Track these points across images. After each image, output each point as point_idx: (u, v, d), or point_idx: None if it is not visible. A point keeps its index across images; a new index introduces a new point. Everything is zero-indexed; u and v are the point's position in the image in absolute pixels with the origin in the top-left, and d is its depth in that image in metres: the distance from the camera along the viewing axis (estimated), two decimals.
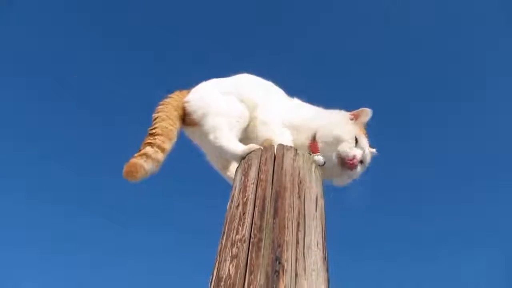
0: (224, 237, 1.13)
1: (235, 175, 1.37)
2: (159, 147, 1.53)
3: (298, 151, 1.35)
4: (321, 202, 1.25)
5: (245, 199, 1.19)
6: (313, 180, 1.28)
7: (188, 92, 1.76)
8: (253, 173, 1.28)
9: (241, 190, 1.25)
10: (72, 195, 5.99)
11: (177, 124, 1.65)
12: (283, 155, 1.31)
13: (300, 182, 1.23)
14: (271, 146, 1.38)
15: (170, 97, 1.74)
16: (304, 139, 1.62)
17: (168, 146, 1.56)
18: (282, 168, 1.26)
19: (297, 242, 1.06)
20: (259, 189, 1.21)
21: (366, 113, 1.65)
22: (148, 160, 1.49)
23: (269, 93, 1.79)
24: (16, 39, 5.84)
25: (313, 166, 1.33)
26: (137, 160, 1.49)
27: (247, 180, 1.26)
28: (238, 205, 1.19)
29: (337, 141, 1.56)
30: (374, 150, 1.68)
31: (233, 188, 1.31)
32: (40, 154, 6.09)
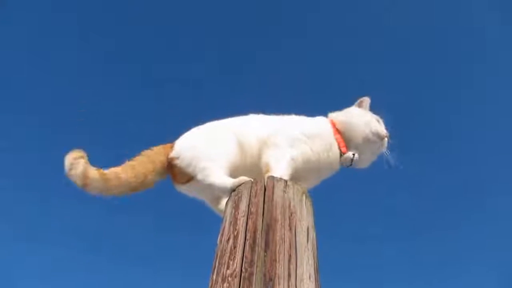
0: (215, 272, 1.11)
1: (225, 208, 1.37)
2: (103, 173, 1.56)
3: (288, 182, 1.35)
4: (312, 233, 1.24)
5: (235, 233, 1.18)
6: (304, 212, 1.28)
7: (171, 147, 1.70)
8: (243, 206, 1.27)
9: (232, 223, 1.24)
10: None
11: (155, 173, 1.64)
12: (273, 187, 1.31)
13: (291, 214, 1.23)
14: (261, 178, 1.38)
15: (152, 149, 1.71)
16: (329, 144, 1.74)
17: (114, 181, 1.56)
18: (272, 200, 1.26)
19: (289, 275, 1.05)
20: (249, 221, 1.20)
21: (367, 100, 1.94)
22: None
23: (262, 121, 1.82)
24: (11, 41, 5.89)
25: (304, 197, 1.33)
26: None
27: (238, 213, 1.26)
28: (229, 238, 1.18)
29: (367, 124, 1.81)
30: None
31: (224, 221, 1.30)
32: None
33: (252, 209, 1.24)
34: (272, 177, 1.36)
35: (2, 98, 6.03)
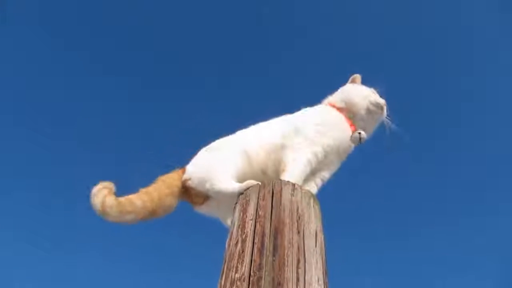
0: (223, 276, 1.11)
1: (234, 211, 1.37)
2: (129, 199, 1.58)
3: (296, 186, 1.35)
4: (320, 237, 1.24)
5: (243, 236, 1.18)
6: (312, 215, 1.28)
7: (183, 171, 1.73)
8: (251, 209, 1.27)
9: (240, 226, 1.24)
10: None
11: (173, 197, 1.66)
12: (281, 190, 1.31)
13: (299, 218, 1.23)
14: (269, 181, 1.38)
15: (166, 175, 1.72)
16: (341, 125, 1.81)
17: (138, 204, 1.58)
18: (280, 203, 1.26)
19: (298, 280, 1.05)
20: (257, 225, 1.20)
21: (358, 77, 2.04)
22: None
23: (269, 128, 1.84)
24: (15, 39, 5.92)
25: (312, 200, 1.33)
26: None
27: (246, 217, 1.26)
28: (237, 242, 1.18)
29: (366, 97, 1.90)
30: None
31: (232, 225, 1.30)
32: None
33: (260, 213, 1.24)
34: (280, 181, 1.37)
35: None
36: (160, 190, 1.64)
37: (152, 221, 1.65)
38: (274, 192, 1.30)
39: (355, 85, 2.00)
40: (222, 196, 1.55)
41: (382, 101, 1.91)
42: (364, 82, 2.03)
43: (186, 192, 1.68)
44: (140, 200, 1.59)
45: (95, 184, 1.59)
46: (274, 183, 1.34)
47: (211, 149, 1.77)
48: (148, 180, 1.70)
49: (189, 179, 1.67)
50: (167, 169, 1.75)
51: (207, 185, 1.59)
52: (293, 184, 1.35)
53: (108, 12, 6.63)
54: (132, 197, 1.61)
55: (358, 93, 1.93)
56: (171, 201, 1.65)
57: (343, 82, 2.04)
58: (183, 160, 1.80)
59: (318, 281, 1.08)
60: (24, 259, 5.55)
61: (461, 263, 5.69)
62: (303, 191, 1.34)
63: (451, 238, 5.80)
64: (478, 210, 5.99)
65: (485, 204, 5.96)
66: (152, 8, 6.71)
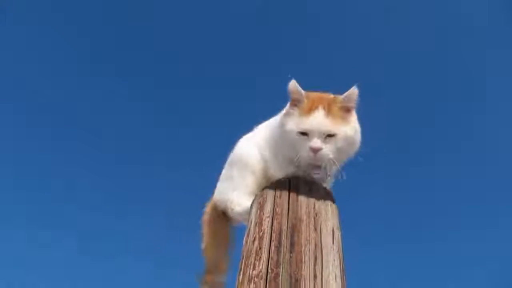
0: (241, 273, 1.12)
1: (251, 209, 1.38)
2: (212, 282, 1.70)
3: (313, 182, 1.35)
4: (337, 234, 1.23)
5: (261, 233, 1.19)
6: (329, 212, 1.27)
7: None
8: (268, 207, 1.28)
9: (257, 224, 1.25)
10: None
11: (224, 239, 1.75)
12: (298, 188, 1.31)
13: (316, 215, 1.23)
14: (286, 179, 1.39)
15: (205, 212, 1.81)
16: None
17: (218, 276, 1.71)
18: (297, 200, 1.27)
19: (315, 277, 1.05)
20: (275, 222, 1.21)
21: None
22: None
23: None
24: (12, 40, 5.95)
25: (328, 197, 1.33)
26: None
27: (263, 214, 1.27)
28: (254, 239, 1.19)
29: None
30: None
31: (249, 222, 1.31)
32: None
33: (277, 210, 1.25)
34: (296, 178, 1.37)
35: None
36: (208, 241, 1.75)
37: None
38: (291, 189, 1.31)
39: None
40: (242, 216, 1.59)
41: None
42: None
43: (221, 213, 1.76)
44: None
45: None
46: (291, 180, 1.35)
47: (224, 172, 1.80)
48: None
49: (216, 202, 1.75)
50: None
51: (229, 211, 1.64)
52: (310, 181, 1.35)
53: (111, 12, 6.68)
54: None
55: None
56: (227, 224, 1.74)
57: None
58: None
59: (335, 278, 1.08)
60: (24, 259, 5.64)
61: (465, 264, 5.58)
62: (321, 188, 1.34)
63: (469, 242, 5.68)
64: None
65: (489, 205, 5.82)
66: (152, 9, 6.75)
